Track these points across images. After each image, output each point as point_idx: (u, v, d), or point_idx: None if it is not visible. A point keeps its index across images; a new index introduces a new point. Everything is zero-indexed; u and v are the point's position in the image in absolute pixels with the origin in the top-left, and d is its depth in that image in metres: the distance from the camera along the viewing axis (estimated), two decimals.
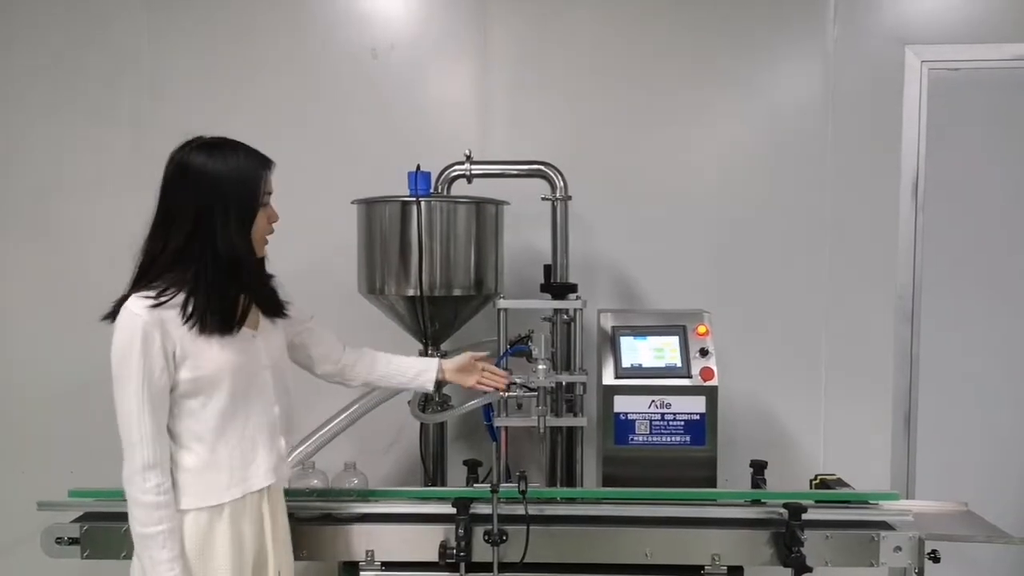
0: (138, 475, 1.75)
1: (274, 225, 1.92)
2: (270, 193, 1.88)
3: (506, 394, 2.31)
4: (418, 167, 2.51)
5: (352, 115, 3.23)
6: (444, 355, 2.55)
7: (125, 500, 2.27)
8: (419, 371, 2.27)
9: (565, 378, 2.50)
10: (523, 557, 2.19)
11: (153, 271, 1.79)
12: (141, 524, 1.77)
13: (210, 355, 1.80)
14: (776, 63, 3.24)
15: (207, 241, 1.78)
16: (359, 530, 2.27)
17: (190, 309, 1.76)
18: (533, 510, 2.24)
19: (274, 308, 1.98)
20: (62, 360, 3.30)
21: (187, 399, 1.81)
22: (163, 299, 1.75)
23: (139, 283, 1.79)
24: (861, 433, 3.23)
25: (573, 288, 2.56)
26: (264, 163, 1.86)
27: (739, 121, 3.24)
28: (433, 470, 2.80)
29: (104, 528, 2.25)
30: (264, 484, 1.90)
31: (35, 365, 3.36)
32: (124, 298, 1.78)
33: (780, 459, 3.07)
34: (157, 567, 1.76)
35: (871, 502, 2.38)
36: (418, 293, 2.51)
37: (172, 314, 1.76)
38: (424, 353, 2.67)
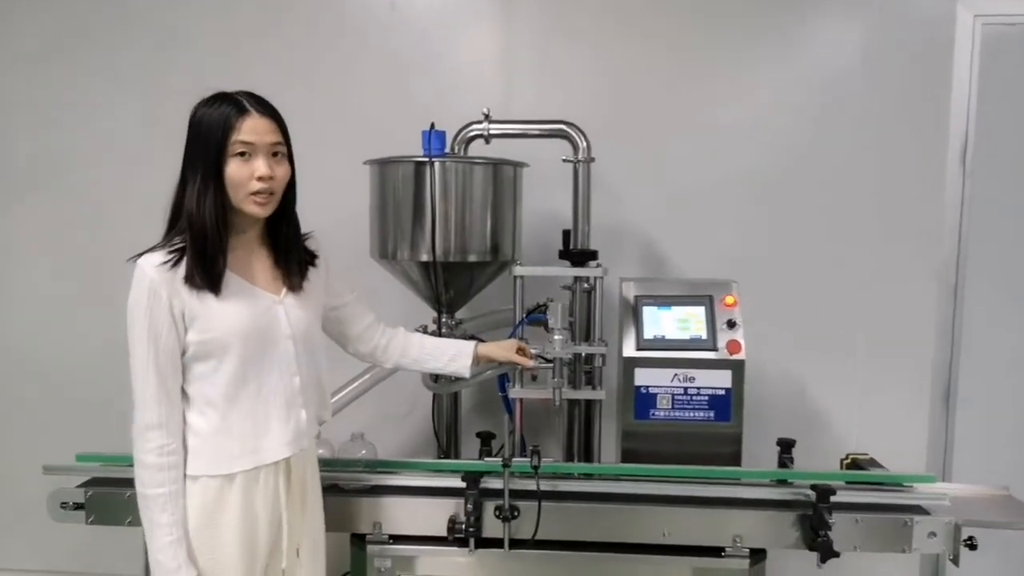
0: (140, 435, 1.71)
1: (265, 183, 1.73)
2: (247, 143, 1.70)
3: (529, 368, 2.22)
4: (432, 125, 2.40)
5: (369, 71, 3.13)
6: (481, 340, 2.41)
7: (130, 465, 2.26)
8: (453, 355, 2.19)
9: (583, 349, 2.39)
10: (534, 534, 2.10)
11: (174, 226, 1.76)
12: (142, 484, 1.73)
13: (219, 318, 1.73)
14: (819, 19, 3.06)
15: (184, 193, 1.74)
16: (367, 502, 2.20)
17: (184, 265, 1.71)
18: (546, 486, 2.16)
19: (286, 272, 1.87)
20: (74, 326, 3.30)
21: (197, 362, 1.74)
22: (173, 256, 1.71)
23: (166, 236, 1.76)
24: (897, 411, 3.09)
25: (593, 255, 2.44)
26: (238, 110, 1.70)
27: (779, 81, 3.06)
28: (447, 442, 2.73)
29: (109, 493, 2.22)
30: (278, 457, 1.81)
31: (46, 331, 3.36)
32: (152, 248, 1.74)
33: (810, 437, 2.96)
34: (155, 530, 1.71)
35: (905, 485, 2.26)
36: (432, 259, 2.41)
37: (183, 273, 1.71)
38: (439, 320, 2.58)
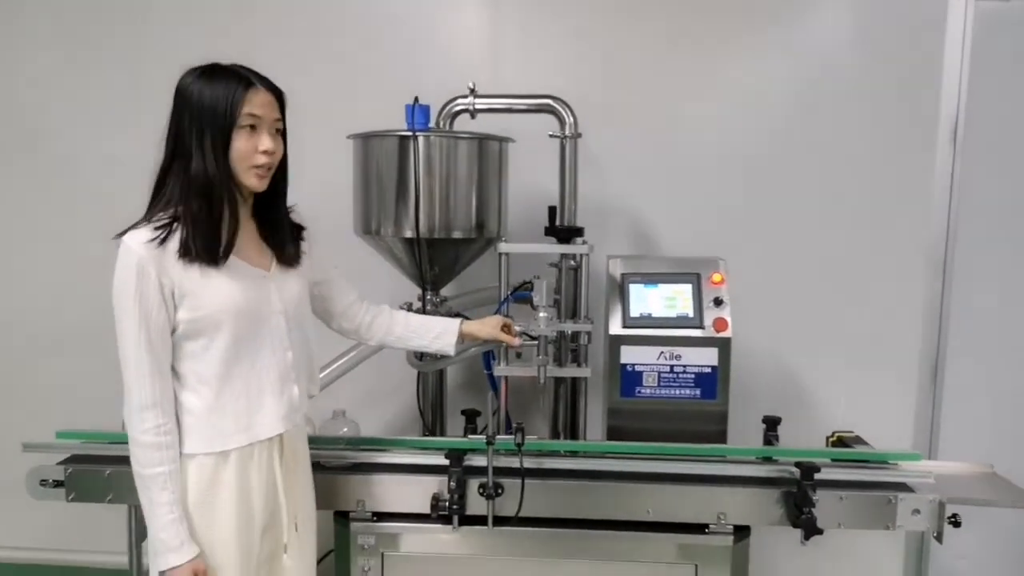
0: (135, 415, 1.69)
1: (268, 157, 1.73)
2: (256, 116, 1.69)
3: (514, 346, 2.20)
4: (416, 99, 2.36)
5: (353, 45, 3.08)
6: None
7: (111, 443, 2.25)
8: (438, 333, 2.17)
9: (568, 326, 2.37)
10: (518, 511, 2.09)
11: (160, 200, 1.72)
12: (140, 464, 1.70)
13: (211, 294, 1.71)
14: None
15: (184, 165, 1.70)
16: (350, 479, 2.19)
17: (178, 238, 1.69)
18: (531, 463, 2.15)
19: (281, 248, 1.87)
20: (56, 302, 3.27)
21: (188, 340, 1.72)
22: (161, 233, 1.67)
23: (150, 211, 1.72)
24: (884, 390, 3.08)
25: (579, 232, 2.41)
26: (245, 83, 1.70)
27: (768, 57, 3.02)
28: (432, 420, 2.71)
29: (90, 471, 2.19)
30: (272, 433, 1.81)
31: (29, 306, 3.34)
32: (135, 225, 1.70)
33: (797, 415, 2.95)
34: (156, 509, 1.69)
35: (890, 462, 2.26)
36: (416, 235, 2.38)
37: (173, 249, 1.68)
38: (423, 298, 2.55)
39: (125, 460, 2.11)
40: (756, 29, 3.02)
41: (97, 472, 2.18)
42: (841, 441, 2.49)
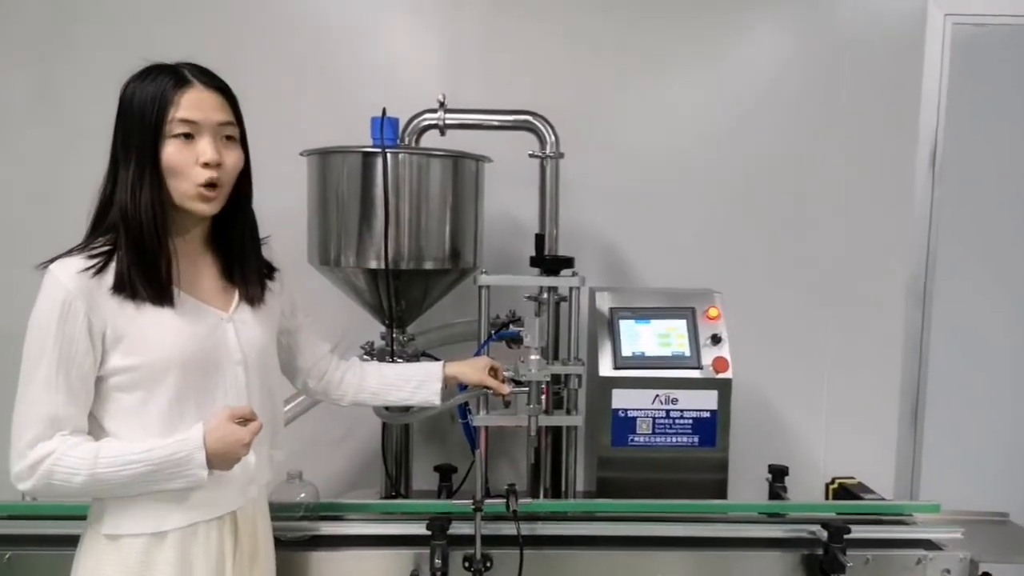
0: (29, 446, 1.35)
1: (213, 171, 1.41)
2: (190, 121, 1.39)
3: (505, 394, 1.91)
4: (384, 111, 2.06)
5: (300, 59, 2.74)
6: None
7: (7, 518, 1.88)
8: (420, 382, 1.84)
9: (561, 369, 2.09)
10: None
11: (101, 226, 1.44)
12: (75, 474, 1.35)
13: (153, 339, 1.40)
14: (786, 11, 2.86)
15: (116, 184, 1.42)
16: (308, 556, 1.84)
17: (114, 271, 1.38)
18: (524, 530, 1.86)
19: (244, 282, 1.55)
20: None
21: (122, 393, 1.40)
22: (97, 262, 1.37)
23: (89, 238, 1.44)
24: (864, 426, 2.93)
25: (569, 262, 2.15)
26: (177, 81, 1.39)
27: (744, 77, 2.85)
28: (396, 473, 2.38)
29: None
30: (222, 511, 1.50)
31: None
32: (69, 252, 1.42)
33: (777, 454, 2.76)
34: (129, 470, 1.36)
35: (906, 514, 2.08)
36: (382, 266, 2.07)
37: (109, 282, 1.38)
38: (389, 336, 2.23)
39: (27, 540, 1.81)
40: (732, 48, 2.85)
41: None
42: (844, 489, 2.30)
